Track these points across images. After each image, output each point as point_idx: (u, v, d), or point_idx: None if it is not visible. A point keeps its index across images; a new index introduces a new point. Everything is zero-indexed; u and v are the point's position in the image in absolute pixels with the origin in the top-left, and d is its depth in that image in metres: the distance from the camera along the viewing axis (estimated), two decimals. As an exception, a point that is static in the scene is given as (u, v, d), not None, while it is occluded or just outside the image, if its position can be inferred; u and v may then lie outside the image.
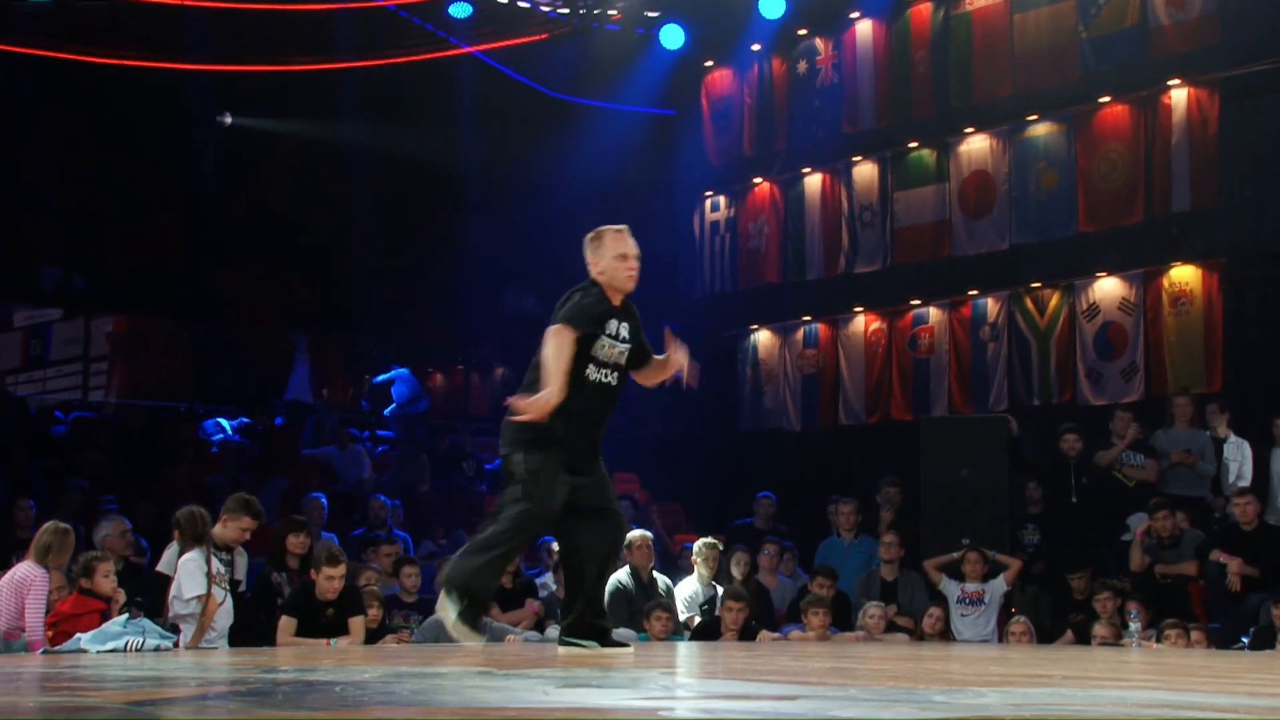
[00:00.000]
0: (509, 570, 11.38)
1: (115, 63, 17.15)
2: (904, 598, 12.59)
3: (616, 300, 7.07)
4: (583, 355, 6.89)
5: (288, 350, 19.06)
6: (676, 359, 7.22)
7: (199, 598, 8.86)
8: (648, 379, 7.32)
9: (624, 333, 7.08)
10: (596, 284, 7.05)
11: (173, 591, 8.98)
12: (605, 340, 6.96)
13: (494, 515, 7.05)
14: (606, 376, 7.01)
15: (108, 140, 18.76)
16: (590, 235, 7.16)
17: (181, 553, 9.08)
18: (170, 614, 8.87)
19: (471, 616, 6.79)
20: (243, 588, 9.69)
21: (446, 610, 6.79)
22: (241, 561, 9.70)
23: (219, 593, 9.04)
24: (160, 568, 9.51)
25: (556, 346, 6.72)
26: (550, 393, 6.62)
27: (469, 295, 21.16)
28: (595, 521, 7.09)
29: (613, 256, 7.05)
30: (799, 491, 17.04)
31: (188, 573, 8.93)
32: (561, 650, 7.11)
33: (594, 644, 7.09)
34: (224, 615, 9.12)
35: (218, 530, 9.35)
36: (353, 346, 21.07)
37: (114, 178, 19.10)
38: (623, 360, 7.07)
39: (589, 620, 7.17)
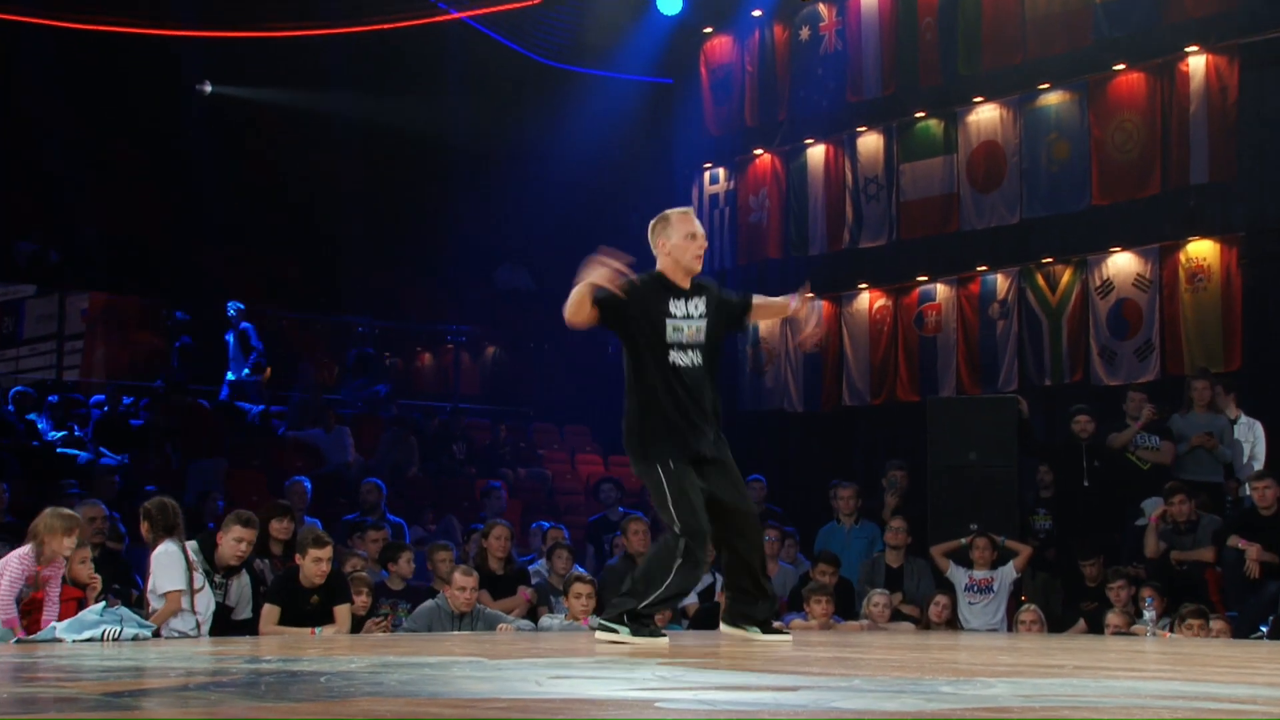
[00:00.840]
0: (501, 556, 11.41)
1: (95, 28, 17.09)
2: (910, 585, 12.60)
3: (683, 282, 7.29)
4: (657, 345, 7.12)
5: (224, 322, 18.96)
6: (794, 306, 7.56)
7: (178, 592, 8.85)
8: (764, 318, 7.78)
9: (698, 309, 7.26)
10: (655, 271, 7.30)
11: (149, 586, 8.95)
12: (676, 322, 7.18)
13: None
14: (691, 359, 7.20)
15: (86, 108, 18.71)
16: (655, 220, 7.40)
17: (154, 545, 9.04)
18: (150, 609, 8.85)
19: (644, 628, 7.01)
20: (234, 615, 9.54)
21: (618, 638, 6.95)
22: (237, 586, 9.58)
23: (199, 579, 9.02)
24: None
25: (568, 303, 7.01)
26: (592, 266, 6.93)
27: (459, 271, 21.15)
28: (731, 520, 7.33)
29: (682, 236, 7.29)
30: (801, 475, 17.08)
31: (163, 565, 8.90)
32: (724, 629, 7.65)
33: (755, 630, 7.46)
34: (206, 602, 9.10)
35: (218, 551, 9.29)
36: (338, 324, 21.03)
37: (92, 148, 19.05)
38: (702, 337, 7.24)
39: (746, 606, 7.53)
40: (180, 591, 8.84)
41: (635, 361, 7.19)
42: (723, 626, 7.71)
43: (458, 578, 10.23)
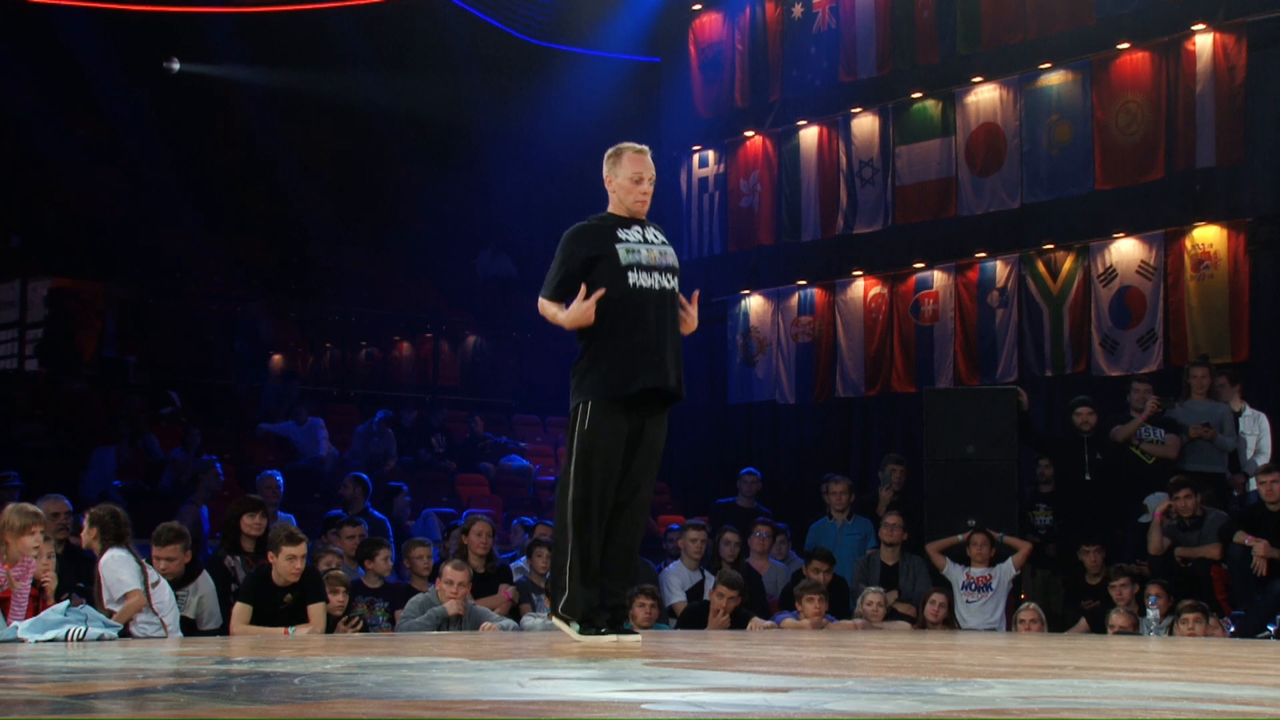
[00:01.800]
0: (482, 553, 11.40)
1: (57, 2, 17.05)
2: (905, 583, 12.62)
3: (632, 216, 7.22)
4: (614, 272, 6.96)
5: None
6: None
7: (136, 591, 8.83)
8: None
9: (657, 236, 7.21)
10: (600, 214, 7.25)
11: (104, 597, 8.89)
12: (630, 245, 7.05)
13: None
14: (658, 282, 7.07)
15: (48, 88, 18.66)
16: (610, 150, 7.26)
17: (100, 553, 8.98)
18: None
19: (591, 623, 6.98)
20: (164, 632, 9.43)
21: (569, 635, 7.01)
22: (196, 597, 9.57)
23: (153, 574, 9.03)
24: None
25: (545, 317, 7.03)
26: (576, 306, 6.87)
27: (439, 257, 21.14)
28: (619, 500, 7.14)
29: (627, 177, 7.16)
30: (793, 469, 17.09)
31: (114, 570, 8.85)
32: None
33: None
34: (168, 603, 9.10)
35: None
36: (312, 312, 21.01)
37: (55, 129, 19.00)
38: (669, 260, 7.15)
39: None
40: (138, 590, 8.83)
41: (594, 280, 6.99)
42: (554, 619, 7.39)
43: (449, 571, 10.21)
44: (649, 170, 7.21)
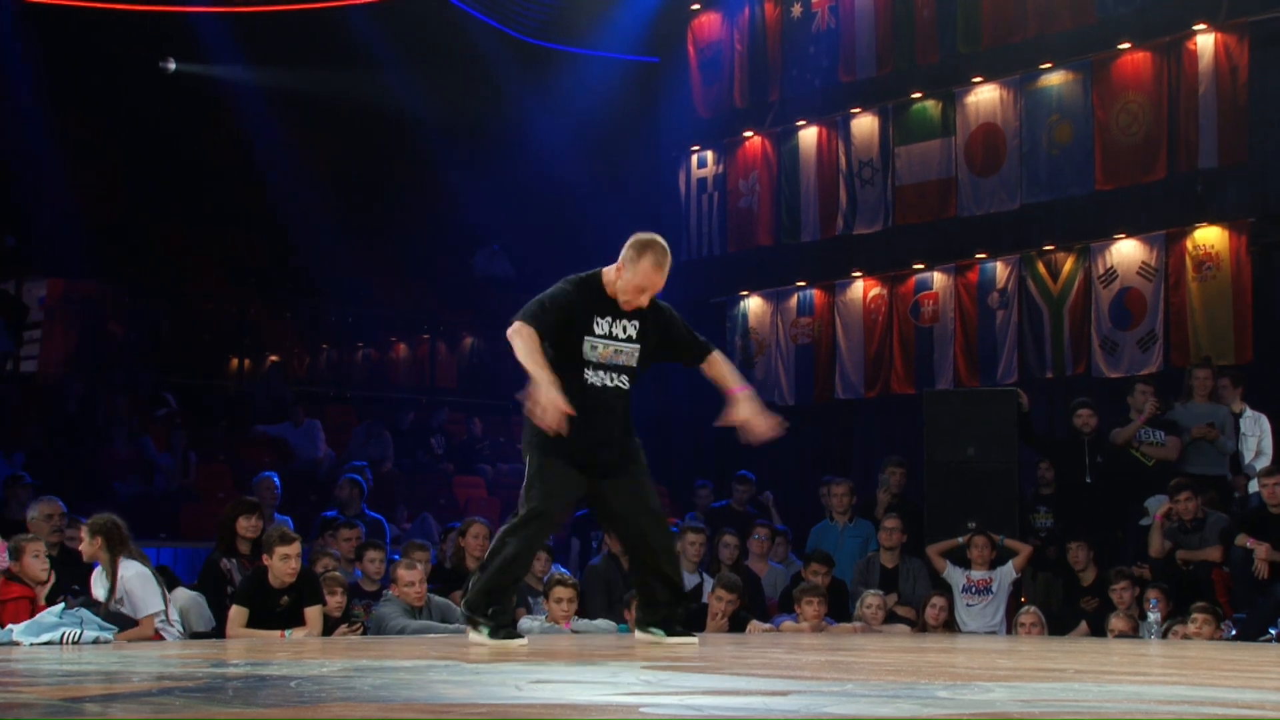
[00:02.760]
0: (477, 555, 11.38)
1: (55, 2, 17.04)
2: (905, 586, 12.61)
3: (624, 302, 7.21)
4: (574, 357, 7.11)
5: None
6: (740, 404, 7.74)
7: (153, 616, 8.90)
8: (711, 376, 7.79)
9: (626, 332, 7.23)
10: (597, 277, 7.20)
11: (125, 608, 8.91)
12: (595, 341, 7.15)
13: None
14: (610, 380, 7.22)
15: (44, 87, 18.64)
16: (641, 241, 7.15)
17: (112, 564, 8.99)
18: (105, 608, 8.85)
19: (506, 630, 7.12)
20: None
21: (479, 639, 7.10)
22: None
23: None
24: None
25: (518, 348, 6.97)
26: (548, 392, 6.80)
27: (436, 257, 21.14)
28: (627, 527, 7.56)
29: (634, 282, 7.12)
30: (792, 471, 17.07)
31: (138, 587, 8.90)
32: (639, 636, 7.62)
33: (659, 632, 7.49)
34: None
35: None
36: (309, 313, 21.00)
37: (51, 128, 18.98)
38: (631, 362, 7.26)
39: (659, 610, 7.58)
40: (157, 615, 8.90)
41: (555, 358, 7.10)
42: (635, 633, 7.81)
43: (402, 574, 10.23)
44: (657, 285, 7.19)
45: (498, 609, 7.19)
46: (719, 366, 7.67)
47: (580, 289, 7.18)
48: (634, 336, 7.23)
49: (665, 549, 7.62)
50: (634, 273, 7.10)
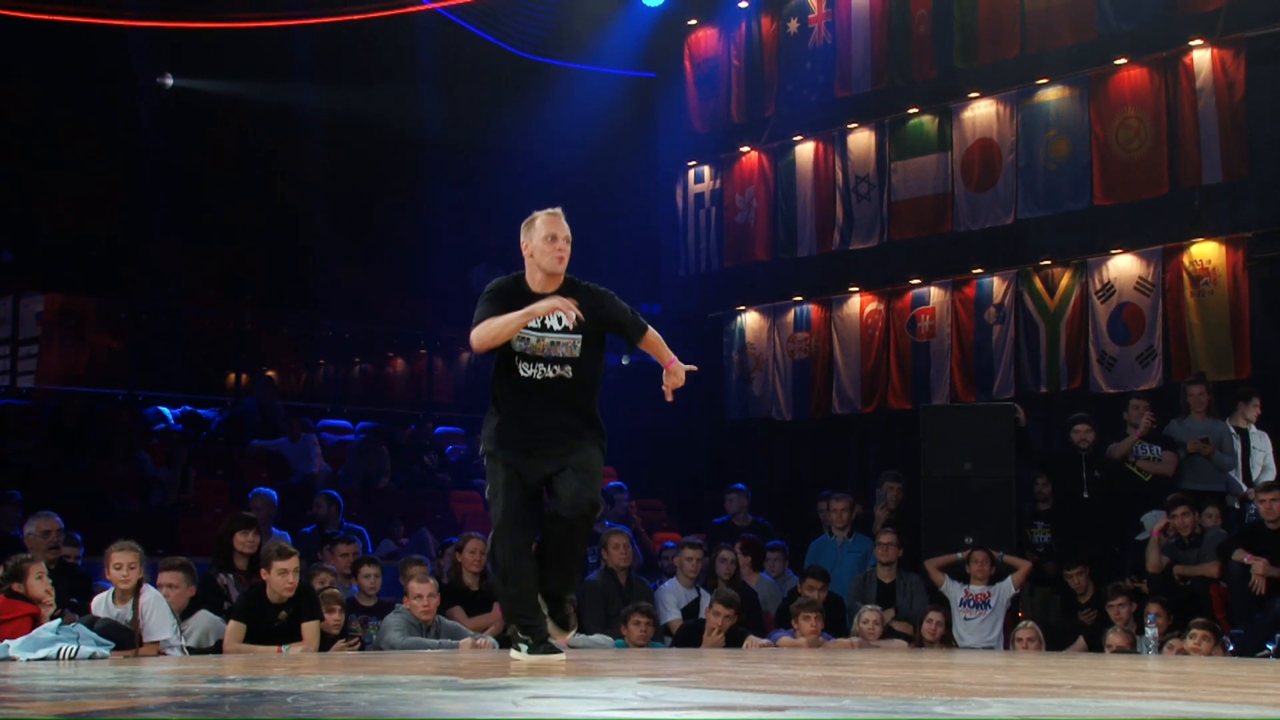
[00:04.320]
0: (476, 570, 11.39)
1: (50, 18, 17.05)
2: (902, 601, 12.61)
3: (549, 285, 7.31)
4: (506, 355, 7.25)
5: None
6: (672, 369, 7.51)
7: (160, 641, 8.95)
8: (647, 350, 7.68)
9: (561, 323, 7.25)
10: (515, 275, 7.42)
11: (143, 630, 8.96)
12: (525, 333, 7.19)
13: None
14: (550, 371, 7.27)
15: (41, 101, 18.66)
16: (525, 221, 7.45)
17: (137, 590, 9.04)
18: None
19: (544, 646, 7.34)
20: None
21: (519, 656, 7.33)
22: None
23: None
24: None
25: (484, 337, 7.17)
26: (542, 306, 7.10)
27: (432, 272, 21.11)
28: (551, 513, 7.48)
29: (542, 238, 7.30)
30: (789, 486, 17.07)
31: (154, 613, 8.99)
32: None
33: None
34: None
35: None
36: (305, 327, 20.98)
37: (48, 143, 19.00)
38: (573, 352, 7.29)
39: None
40: (163, 640, 8.97)
41: (495, 362, 7.36)
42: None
43: (414, 585, 10.24)
44: (563, 230, 7.35)
45: (532, 625, 7.35)
46: (655, 344, 7.60)
47: (501, 286, 7.36)
48: (568, 327, 7.24)
49: (556, 560, 7.55)
50: (536, 233, 7.34)
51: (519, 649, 7.32)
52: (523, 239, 7.41)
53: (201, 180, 19.67)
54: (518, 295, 7.26)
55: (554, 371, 7.25)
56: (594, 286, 7.43)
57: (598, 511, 7.62)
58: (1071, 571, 12.22)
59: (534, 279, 7.34)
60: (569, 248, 7.35)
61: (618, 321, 7.46)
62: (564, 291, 7.27)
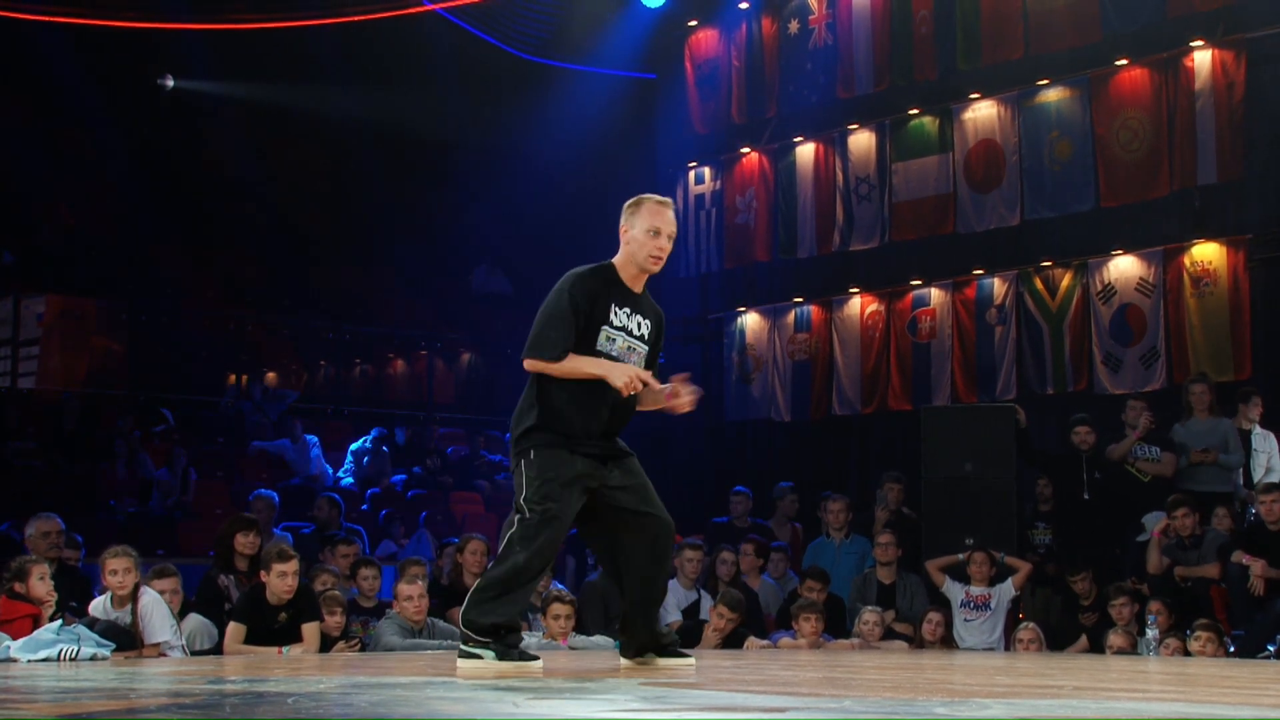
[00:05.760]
0: (477, 571, 11.38)
1: (52, 19, 17.06)
2: (903, 602, 12.61)
3: (635, 284, 6.77)
4: (582, 348, 6.59)
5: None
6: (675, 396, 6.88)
7: (160, 644, 8.96)
8: (642, 405, 6.97)
9: (640, 329, 6.80)
10: (608, 265, 6.75)
11: (143, 631, 8.98)
12: (613, 332, 6.66)
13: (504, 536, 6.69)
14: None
15: (41, 103, 18.67)
16: (631, 200, 6.81)
17: (134, 592, 9.05)
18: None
19: (512, 653, 6.47)
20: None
21: (483, 664, 6.41)
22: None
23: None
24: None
25: (558, 374, 6.55)
26: (621, 371, 6.48)
27: (433, 274, 21.15)
28: (631, 527, 6.80)
29: (644, 229, 6.68)
30: (789, 487, 17.05)
31: (154, 615, 9.01)
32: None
33: (652, 656, 6.87)
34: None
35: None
36: (306, 329, 21.00)
37: (49, 145, 19.01)
38: (640, 364, 6.75)
39: (643, 637, 6.91)
40: (163, 642, 8.99)
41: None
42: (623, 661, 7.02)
43: (402, 588, 10.25)
44: (669, 225, 6.73)
45: (500, 630, 6.61)
46: (653, 380, 6.87)
47: (593, 276, 6.68)
48: (645, 337, 6.79)
49: (652, 579, 6.93)
50: (640, 221, 6.69)
51: (479, 655, 6.44)
52: (623, 221, 6.75)
53: (202, 181, 19.68)
54: (608, 293, 6.66)
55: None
56: (657, 305, 6.96)
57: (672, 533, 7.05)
58: (1075, 577, 12.21)
59: (627, 271, 6.73)
60: (670, 247, 6.78)
61: (658, 348, 6.96)
62: (645, 304, 6.81)
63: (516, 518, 6.59)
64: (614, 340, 6.65)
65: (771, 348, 17.93)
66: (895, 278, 16.98)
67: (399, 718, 3.99)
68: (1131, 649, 11.07)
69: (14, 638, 8.13)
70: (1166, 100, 14.97)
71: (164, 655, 8.92)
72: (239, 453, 17.36)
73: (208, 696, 4.64)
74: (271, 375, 20.53)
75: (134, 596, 9.01)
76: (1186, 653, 10.62)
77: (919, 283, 16.74)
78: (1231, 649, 10.91)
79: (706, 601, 12.15)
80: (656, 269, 6.77)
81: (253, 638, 9.47)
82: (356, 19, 17.93)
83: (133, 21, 17.48)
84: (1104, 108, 15.43)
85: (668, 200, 6.85)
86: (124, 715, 4.15)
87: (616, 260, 6.77)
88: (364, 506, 16.33)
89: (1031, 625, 11.71)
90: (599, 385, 6.59)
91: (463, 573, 11.47)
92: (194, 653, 9.56)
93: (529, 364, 6.63)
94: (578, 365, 6.54)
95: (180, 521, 15.11)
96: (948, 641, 12.07)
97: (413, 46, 18.80)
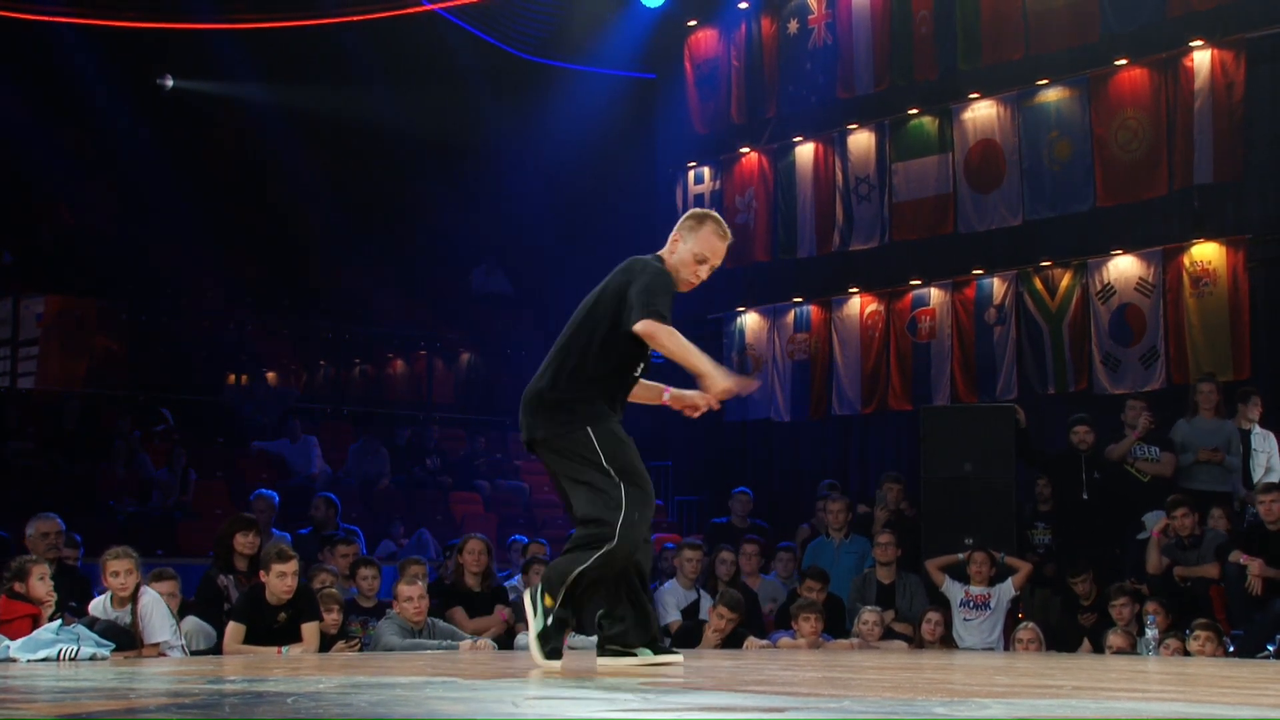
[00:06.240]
0: (477, 571, 11.39)
1: (50, 19, 17.06)
2: (902, 602, 12.60)
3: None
4: (637, 350, 6.56)
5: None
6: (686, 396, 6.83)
7: (160, 644, 8.97)
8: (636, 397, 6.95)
9: None
10: (665, 269, 6.70)
11: (143, 631, 9.00)
12: None
13: (578, 514, 6.60)
14: (639, 375, 6.76)
15: (41, 104, 18.65)
16: (696, 213, 6.81)
17: (135, 592, 9.06)
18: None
19: (552, 639, 6.44)
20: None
21: (531, 619, 6.45)
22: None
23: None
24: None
25: (669, 344, 6.40)
26: (723, 380, 6.40)
27: (432, 273, 21.14)
28: None
29: (694, 253, 6.71)
30: (788, 487, 17.06)
31: (154, 615, 9.03)
32: (602, 662, 6.68)
33: (646, 651, 6.67)
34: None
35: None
36: (306, 329, 21.00)
37: (48, 145, 18.99)
38: (649, 361, 6.76)
39: (643, 625, 6.73)
40: (163, 642, 8.99)
41: (608, 340, 6.55)
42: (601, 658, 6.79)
43: (402, 589, 10.24)
44: (718, 258, 6.79)
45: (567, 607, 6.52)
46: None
47: (670, 284, 6.65)
48: None
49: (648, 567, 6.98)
50: (694, 241, 6.67)
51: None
52: (679, 230, 6.75)
53: (201, 182, 19.67)
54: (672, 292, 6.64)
55: (639, 376, 6.75)
56: None
57: None
58: (1076, 579, 12.20)
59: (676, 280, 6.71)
60: (708, 277, 6.83)
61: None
62: None
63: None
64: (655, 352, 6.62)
65: (771, 347, 17.95)
66: (895, 278, 16.99)
67: (399, 718, 3.99)
68: (1131, 649, 11.07)
69: (13, 638, 8.13)
70: (1166, 100, 14.98)
71: (164, 655, 8.92)
72: (239, 453, 17.35)
73: (207, 696, 4.64)
74: (271, 375, 20.52)
75: (134, 596, 9.02)
76: (1186, 652, 10.61)
77: (919, 283, 16.75)
78: (1231, 649, 10.91)
79: (706, 601, 12.15)
80: (686, 291, 6.79)
81: (252, 638, 9.47)
82: (357, 19, 17.94)
83: (133, 21, 17.48)
84: (1103, 108, 15.44)
85: (729, 234, 6.83)
86: (123, 715, 4.14)
87: (667, 263, 6.75)
88: (364, 507, 16.33)
89: (1031, 625, 11.71)
90: (629, 373, 6.61)
91: (464, 573, 11.47)
92: (191, 654, 9.57)
93: (649, 325, 6.36)
94: (687, 346, 6.43)
95: (180, 521, 15.10)
96: (947, 641, 12.07)
97: (413, 47, 18.80)
